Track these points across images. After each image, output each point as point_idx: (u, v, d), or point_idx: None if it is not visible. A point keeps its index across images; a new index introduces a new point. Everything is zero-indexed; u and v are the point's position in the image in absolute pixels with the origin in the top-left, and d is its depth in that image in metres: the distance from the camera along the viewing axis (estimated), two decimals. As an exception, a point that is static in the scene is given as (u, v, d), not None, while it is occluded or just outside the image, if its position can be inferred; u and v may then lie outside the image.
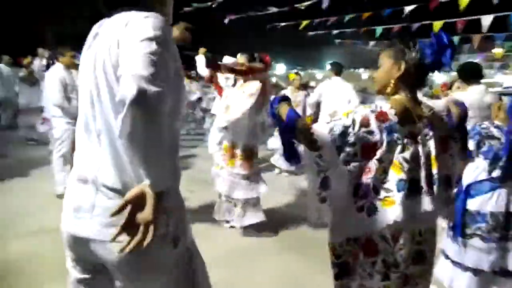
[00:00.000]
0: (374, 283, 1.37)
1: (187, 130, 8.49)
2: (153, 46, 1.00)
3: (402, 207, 1.30)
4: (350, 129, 1.31)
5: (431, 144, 1.39)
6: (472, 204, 2.28)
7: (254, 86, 3.23)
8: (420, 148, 1.36)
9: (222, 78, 4.08)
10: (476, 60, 8.79)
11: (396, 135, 1.34)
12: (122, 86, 0.94)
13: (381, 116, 1.33)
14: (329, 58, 10.67)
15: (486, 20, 6.51)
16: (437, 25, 7.60)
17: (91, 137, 1.14)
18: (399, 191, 1.31)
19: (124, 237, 0.96)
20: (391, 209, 1.30)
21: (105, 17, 1.20)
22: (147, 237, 0.95)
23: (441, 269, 2.44)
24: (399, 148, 1.34)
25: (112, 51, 1.05)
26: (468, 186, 2.30)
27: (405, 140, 1.35)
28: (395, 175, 1.32)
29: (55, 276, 2.05)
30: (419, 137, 1.38)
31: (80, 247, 1.14)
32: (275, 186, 4.40)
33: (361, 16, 7.89)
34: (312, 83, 8.64)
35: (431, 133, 1.40)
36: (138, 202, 0.96)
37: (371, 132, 1.32)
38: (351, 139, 1.31)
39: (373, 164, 1.33)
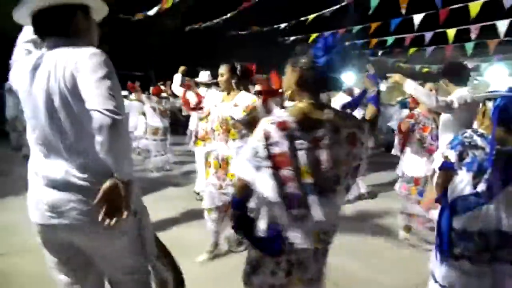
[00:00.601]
0: (277, 279, 1.52)
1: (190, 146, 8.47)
2: (108, 82, 1.36)
3: (319, 210, 1.38)
4: (259, 146, 1.39)
5: (337, 147, 1.45)
6: (458, 222, 2.05)
7: (249, 97, 3.10)
8: (321, 152, 1.43)
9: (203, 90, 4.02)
10: (498, 64, 8.38)
11: (298, 141, 1.40)
12: (97, 119, 1.31)
13: (282, 126, 1.39)
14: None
15: (502, 25, 6.26)
16: (451, 32, 7.36)
17: (50, 148, 1.45)
18: (310, 194, 1.39)
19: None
20: (313, 212, 1.39)
21: (44, 48, 1.47)
22: (123, 214, 1.36)
23: (430, 293, 2.21)
24: (303, 153, 1.40)
25: (68, 82, 1.37)
26: (453, 202, 2.08)
27: (308, 146, 1.41)
28: (305, 180, 1.40)
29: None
30: (322, 142, 1.44)
31: (61, 234, 1.49)
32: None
33: (370, 27, 7.73)
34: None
35: (335, 137, 1.46)
36: (113, 191, 1.35)
37: (276, 143, 1.38)
38: (263, 154, 1.38)
39: (291, 173, 1.38)
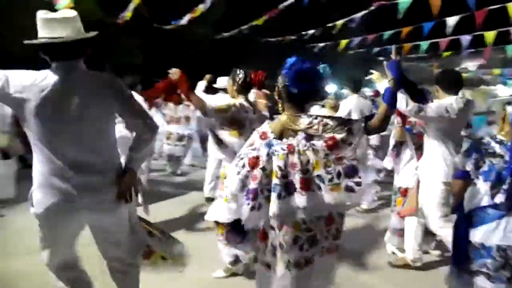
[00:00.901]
0: (267, 257, 1.76)
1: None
2: (137, 100, 1.93)
3: (275, 205, 1.65)
4: (242, 150, 1.81)
5: (311, 152, 1.67)
6: (475, 236, 1.91)
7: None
8: (295, 157, 1.67)
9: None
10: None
11: (273, 148, 1.71)
12: (145, 128, 1.87)
13: (263, 135, 1.78)
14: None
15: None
16: (489, 35, 6.96)
17: (71, 150, 1.71)
18: (273, 192, 1.66)
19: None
20: (270, 206, 1.67)
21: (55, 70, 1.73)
22: (133, 193, 1.86)
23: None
24: (276, 158, 1.68)
25: (100, 99, 1.75)
26: (470, 213, 1.94)
27: (282, 152, 1.69)
28: (273, 180, 1.67)
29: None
30: (296, 148, 1.69)
31: (80, 215, 1.79)
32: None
33: (401, 32, 7.47)
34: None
35: (308, 143, 1.68)
36: (133, 179, 1.86)
37: (254, 149, 1.76)
38: (241, 156, 1.78)
39: (258, 173, 1.69)
